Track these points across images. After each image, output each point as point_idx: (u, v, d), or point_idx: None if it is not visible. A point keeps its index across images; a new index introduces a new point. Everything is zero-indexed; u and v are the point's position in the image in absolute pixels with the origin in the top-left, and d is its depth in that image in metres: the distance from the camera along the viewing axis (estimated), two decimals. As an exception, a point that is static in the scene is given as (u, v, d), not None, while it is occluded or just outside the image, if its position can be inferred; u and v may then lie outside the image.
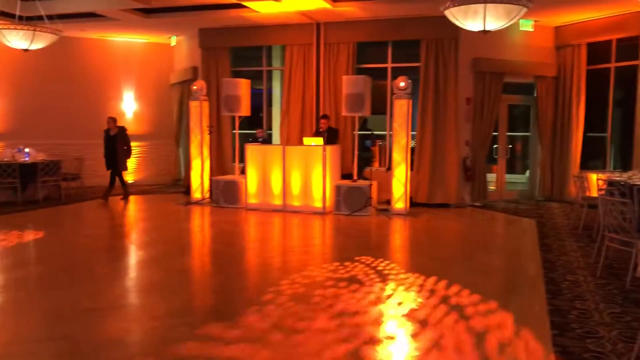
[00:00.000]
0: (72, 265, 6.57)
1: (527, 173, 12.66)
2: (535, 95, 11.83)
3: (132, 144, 14.32)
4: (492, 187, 11.86)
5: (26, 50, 9.52)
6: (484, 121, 11.12)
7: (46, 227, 9.04)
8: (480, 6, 6.54)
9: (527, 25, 11.40)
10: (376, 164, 12.23)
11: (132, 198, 11.90)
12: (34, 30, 9.15)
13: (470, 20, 6.76)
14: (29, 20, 10.18)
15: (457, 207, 10.83)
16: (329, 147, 10.09)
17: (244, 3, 10.20)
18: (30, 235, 8.38)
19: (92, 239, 8.24)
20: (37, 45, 9.45)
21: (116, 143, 11.43)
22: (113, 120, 11.63)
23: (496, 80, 11.15)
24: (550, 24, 11.57)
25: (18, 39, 9.12)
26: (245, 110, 10.90)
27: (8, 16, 10.44)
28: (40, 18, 10.08)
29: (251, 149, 10.55)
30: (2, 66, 13.15)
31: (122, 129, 11.65)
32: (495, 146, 11.84)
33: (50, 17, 10.14)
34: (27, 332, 4.36)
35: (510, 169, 13.11)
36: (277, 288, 5.39)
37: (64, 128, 13.44)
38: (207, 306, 5.17)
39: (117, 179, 11.64)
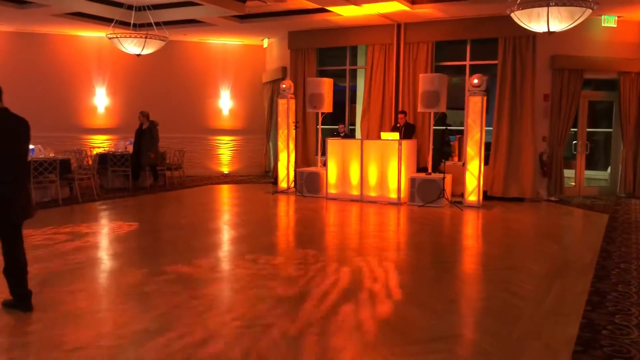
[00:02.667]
0: (175, 239, 7.74)
1: (609, 170, 12.58)
2: (618, 91, 11.76)
3: (228, 138, 15.72)
4: (571, 183, 11.97)
5: (139, 55, 10.86)
6: (561, 117, 11.27)
7: (153, 209, 10.49)
8: (543, 9, 6.93)
9: (610, 21, 11.37)
10: (455, 158, 12.64)
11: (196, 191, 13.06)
12: (146, 37, 10.47)
13: (534, 23, 7.16)
14: (141, 28, 11.60)
15: (532, 202, 11.08)
16: (404, 142, 10.70)
17: (329, 8, 11.02)
18: (140, 215, 9.80)
19: (191, 219, 9.41)
20: (148, 50, 10.76)
21: (143, 137, 11.95)
22: (142, 114, 12.15)
23: (575, 77, 11.25)
24: (636, 19, 11.45)
25: (133, 46, 10.47)
26: (327, 107, 11.71)
27: (123, 24, 11.89)
28: (150, 25, 11.46)
29: (332, 143, 11.37)
30: (115, 69, 14.85)
31: (153, 124, 12.11)
32: (574, 142, 11.91)
33: (158, 24, 11.49)
34: (142, 279, 5.42)
35: (592, 166, 13.05)
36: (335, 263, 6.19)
37: (168, 123, 14.54)
38: (287, 273, 6.04)
39: (141, 172, 12.20)
